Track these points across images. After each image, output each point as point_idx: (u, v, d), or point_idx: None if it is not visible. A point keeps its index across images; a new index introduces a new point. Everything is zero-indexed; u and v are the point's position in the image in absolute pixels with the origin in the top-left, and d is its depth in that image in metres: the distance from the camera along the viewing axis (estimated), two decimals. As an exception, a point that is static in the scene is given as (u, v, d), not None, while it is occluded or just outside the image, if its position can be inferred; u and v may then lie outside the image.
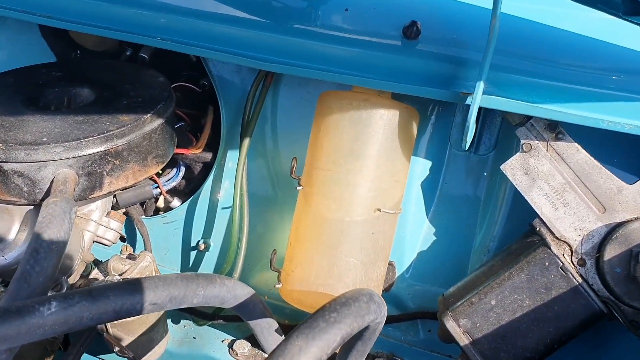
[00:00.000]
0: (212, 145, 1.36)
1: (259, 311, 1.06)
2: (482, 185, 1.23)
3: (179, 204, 1.41)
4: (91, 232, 1.17)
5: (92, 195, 1.00)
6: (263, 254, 1.34)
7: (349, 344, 0.86)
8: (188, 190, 1.43)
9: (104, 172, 0.99)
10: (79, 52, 1.37)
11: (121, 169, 1.01)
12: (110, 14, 1.14)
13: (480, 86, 0.92)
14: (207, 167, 1.39)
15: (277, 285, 1.12)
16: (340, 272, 1.06)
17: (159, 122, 1.06)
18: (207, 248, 1.39)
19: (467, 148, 1.02)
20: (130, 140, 1.00)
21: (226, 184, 1.36)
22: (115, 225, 1.19)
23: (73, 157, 0.95)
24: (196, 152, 1.33)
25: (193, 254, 1.43)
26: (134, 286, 0.79)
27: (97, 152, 0.97)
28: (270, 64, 1.08)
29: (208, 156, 1.36)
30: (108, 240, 1.19)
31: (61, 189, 0.91)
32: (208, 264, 1.42)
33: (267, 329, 1.11)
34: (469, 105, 1.16)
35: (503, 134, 1.19)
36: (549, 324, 1.00)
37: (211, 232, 1.40)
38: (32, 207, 1.01)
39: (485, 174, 1.23)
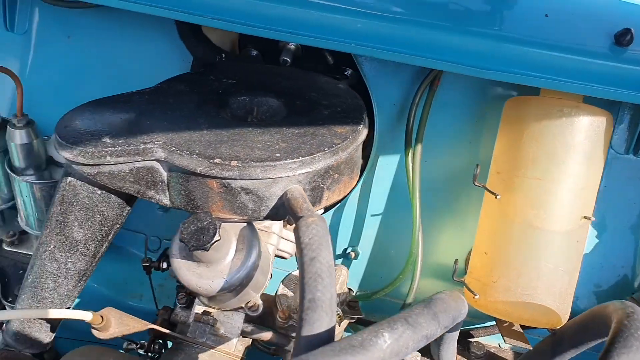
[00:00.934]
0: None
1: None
2: (644, 188, 1.24)
3: (322, 210, 1.37)
4: (273, 245, 1.12)
5: (313, 211, 0.96)
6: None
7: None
8: (329, 196, 1.39)
9: (325, 187, 0.95)
10: (223, 55, 1.30)
11: (337, 183, 0.97)
12: (291, 17, 1.09)
13: None
14: (353, 173, 1.35)
15: (475, 297, 1.10)
16: (549, 282, 1.04)
17: (365, 132, 1.02)
18: (356, 256, 1.36)
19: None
20: (350, 153, 0.96)
21: (375, 190, 1.33)
22: (293, 237, 1.14)
23: (304, 173, 0.90)
24: (349, 158, 1.29)
25: (338, 262, 1.39)
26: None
27: (325, 167, 0.92)
28: (464, 67, 1.04)
29: (359, 162, 1.32)
30: (287, 252, 1.14)
31: (305, 206, 0.86)
32: (356, 274, 1.38)
33: (452, 340, 1.09)
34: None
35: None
36: None
37: (359, 240, 1.36)
38: (245, 224, 0.97)
39: (648, 176, 1.24)
